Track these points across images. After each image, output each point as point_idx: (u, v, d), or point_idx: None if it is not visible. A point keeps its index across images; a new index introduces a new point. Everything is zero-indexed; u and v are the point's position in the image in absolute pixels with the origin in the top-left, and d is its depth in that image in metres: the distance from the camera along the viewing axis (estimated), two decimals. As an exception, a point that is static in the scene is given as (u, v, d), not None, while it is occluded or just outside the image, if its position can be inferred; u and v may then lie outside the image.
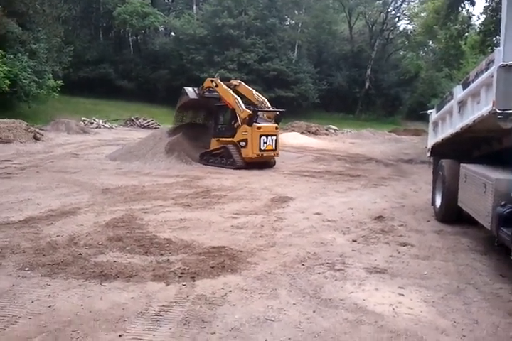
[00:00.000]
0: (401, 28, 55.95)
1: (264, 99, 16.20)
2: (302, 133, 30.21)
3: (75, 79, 37.30)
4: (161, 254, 5.90)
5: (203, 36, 43.28)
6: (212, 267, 5.44)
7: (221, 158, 15.29)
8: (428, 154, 9.80)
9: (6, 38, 26.49)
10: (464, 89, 7.02)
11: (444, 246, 6.67)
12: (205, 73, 35.41)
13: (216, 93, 16.08)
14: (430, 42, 44.83)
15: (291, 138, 25.73)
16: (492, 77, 5.49)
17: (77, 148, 19.15)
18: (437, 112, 9.04)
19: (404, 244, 6.68)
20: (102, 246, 6.16)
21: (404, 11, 53.31)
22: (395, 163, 17.88)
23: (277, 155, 15.70)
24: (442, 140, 8.37)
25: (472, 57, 36.14)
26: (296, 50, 46.64)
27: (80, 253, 5.81)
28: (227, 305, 4.49)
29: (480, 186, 6.13)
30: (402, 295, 4.82)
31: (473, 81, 6.51)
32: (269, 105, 16.00)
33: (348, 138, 31.41)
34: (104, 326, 4.01)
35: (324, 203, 9.61)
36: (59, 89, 29.09)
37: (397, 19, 54.62)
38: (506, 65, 5.14)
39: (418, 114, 27.03)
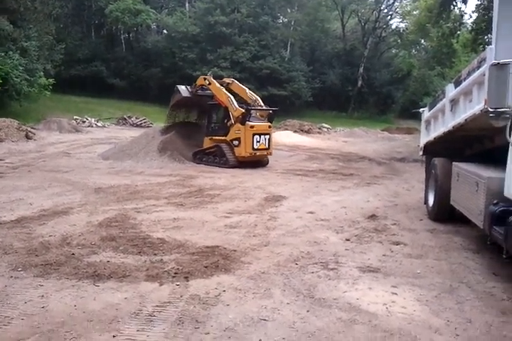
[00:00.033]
0: (393, 26, 56.11)
1: (257, 97, 16.17)
2: (295, 131, 30.21)
3: (66, 77, 37.10)
4: (155, 254, 5.89)
5: (195, 34, 43.18)
6: (206, 267, 5.43)
7: (214, 157, 15.26)
8: (420, 153, 9.83)
9: (-4, 35, 26.31)
10: (456, 88, 7.04)
11: (436, 244, 6.70)
12: (197, 71, 35.34)
13: (209, 91, 16.05)
14: (422, 41, 44.87)
15: (284, 136, 25.73)
16: (484, 75, 5.51)
17: (69, 147, 19.06)
18: (429, 111, 9.08)
19: (397, 243, 6.71)
20: (95, 246, 6.14)
21: (397, 9, 53.45)
22: (388, 161, 17.93)
23: (270, 154, 15.69)
24: (435, 138, 8.40)
25: (464, 55, 36.28)
26: (288, 48, 46.65)
27: (73, 254, 5.79)
28: (221, 305, 4.49)
29: (472, 185, 6.17)
30: (396, 294, 4.84)
31: (465, 79, 6.54)
32: (262, 103, 15.96)
33: (341, 136, 31.45)
34: (97, 327, 4.00)
35: (317, 202, 9.62)
36: (50, 87, 28.88)
37: (389, 17, 54.72)
38: (498, 63, 5.16)
39: (410, 113, 27.02)
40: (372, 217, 8.32)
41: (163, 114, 20.52)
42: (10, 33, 26.96)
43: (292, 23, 48.05)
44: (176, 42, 43.34)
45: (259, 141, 14.87)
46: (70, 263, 5.46)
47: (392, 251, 6.33)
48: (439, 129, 8.10)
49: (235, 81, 17.04)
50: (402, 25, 52.58)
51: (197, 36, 43.26)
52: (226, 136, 15.04)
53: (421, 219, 8.28)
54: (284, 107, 28.85)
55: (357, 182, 12.48)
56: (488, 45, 10.75)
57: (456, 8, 26.17)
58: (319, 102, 47.88)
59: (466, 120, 6.39)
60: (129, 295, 4.62)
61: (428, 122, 9.24)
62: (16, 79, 25.32)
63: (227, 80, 17.04)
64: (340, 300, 4.65)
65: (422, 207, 9.09)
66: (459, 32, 27.62)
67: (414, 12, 39.92)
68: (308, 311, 4.40)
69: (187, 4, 48.42)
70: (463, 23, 28.02)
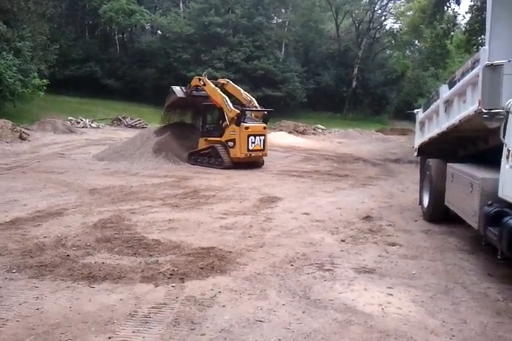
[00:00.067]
0: (387, 27, 56.12)
1: (252, 98, 16.19)
2: (290, 132, 30.20)
3: (60, 77, 36.91)
4: (150, 255, 5.88)
5: (189, 34, 43.07)
6: (202, 268, 5.43)
7: (209, 158, 15.25)
8: (415, 154, 9.87)
9: (-11, 36, 26.18)
10: (450, 89, 7.08)
11: (431, 245, 6.73)
12: (192, 72, 35.17)
13: (204, 92, 16.04)
14: (416, 42, 44.97)
15: (279, 137, 25.73)
16: (478, 76, 5.55)
17: (63, 148, 18.98)
18: (424, 112, 9.11)
19: (393, 244, 6.73)
20: (90, 248, 6.12)
21: (391, 10, 53.42)
22: (383, 162, 17.97)
23: (265, 155, 15.69)
24: (429, 139, 8.43)
25: (458, 56, 36.44)
26: (283, 48, 46.58)
27: (68, 255, 5.77)
28: (217, 306, 4.49)
29: (466, 185, 6.19)
30: (391, 295, 4.85)
31: (459, 80, 6.58)
32: (257, 104, 15.99)
33: (336, 137, 31.47)
34: (93, 328, 3.99)
35: (312, 203, 9.64)
36: (45, 88, 28.71)
37: (383, 18, 54.73)
38: (492, 64, 5.19)
39: (405, 114, 27.12)
40: (368, 217, 8.34)
41: (157, 115, 20.48)
42: (3, 34, 26.80)
43: (286, 24, 47.99)
44: (171, 43, 43.21)
45: (254, 142, 14.87)
46: (64, 264, 5.44)
47: (387, 252, 6.35)
48: (433, 130, 8.13)
49: (230, 82, 17.04)
50: (396, 26, 52.68)
51: (191, 37, 43.16)
52: (221, 137, 15.03)
53: (416, 220, 8.31)
54: (278, 108, 28.88)
55: (352, 183, 12.51)
56: (481, 46, 10.81)
57: (449, 9, 26.34)
58: (314, 103, 47.86)
59: (460, 121, 6.42)
60: (124, 297, 4.61)
61: (422, 123, 9.28)
62: (9, 79, 25.17)
63: (221, 81, 17.03)
64: (336, 301, 4.66)
65: (416, 207, 9.12)
66: (452, 33, 27.75)
67: (408, 13, 39.93)
68: (304, 312, 4.41)
69: (181, 5, 48.28)
70: (456, 24, 28.17)
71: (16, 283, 4.89)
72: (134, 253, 5.94)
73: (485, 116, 5.30)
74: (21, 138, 20.36)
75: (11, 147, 18.23)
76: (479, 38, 22.53)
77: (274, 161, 16.70)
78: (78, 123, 30.08)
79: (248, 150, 14.81)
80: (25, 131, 22.05)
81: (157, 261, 5.67)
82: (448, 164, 7.36)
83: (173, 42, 43.06)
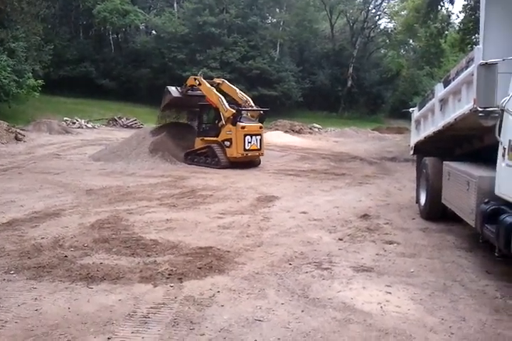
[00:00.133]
0: (382, 27, 56.34)
1: (248, 97, 16.21)
2: (286, 132, 30.25)
3: (55, 78, 36.84)
4: (148, 255, 5.87)
5: (184, 34, 43.04)
6: (200, 268, 5.43)
7: (206, 158, 15.25)
8: (411, 152, 9.89)
9: (-17, 36, 26.10)
10: (445, 87, 7.11)
11: (429, 243, 6.74)
12: (187, 72, 35.19)
13: (199, 91, 16.03)
14: (411, 41, 45.06)
15: (275, 137, 25.77)
16: (472, 75, 5.57)
17: (59, 148, 18.95)
18: (419, 110, 9.14)
19: (390, 242, 6.74)
20: (88, 248, 6.11)
21: (385, 10, 53.57)
22: (379, 161, 18.01)
23: (262, 154, 15.70)
24: (425, 138, 8.45)
25: (452, 55, 36.52)
26: (278, 48, 46.61)
27: (66, 256, 5.75)
28: (216, 305, 4.48)
29: (463, 184, 6.22)
30: (390, 293, 4.86)
31: (453, 79, 6.60)
32: (253, 104, 15.99)
33: (332, 136, 31.55)
34: (92, 329, 3.98)
35: (310, 202, 9.64)
36: (39, 88, 28.66)
37: (377, 17, 54.90)
38: (486, 63, 5.20)
39: (400, 112, 27.19)
40: (365, 216, 8.36)
41: (153, 115, 20.50)
42: (-3, 34, 26.77)
43: (281, 24, 48.07)
44: (165, 43, 43.18)
45: (250, 142, 14.87)
46: (62, 265, 5.43)
47: (385, 251, 6.35)
48: (429, 129, 8.15)
49: (226, 81, 17.03)
50: (391, 25, 52.81)
51: (186, 37, 43.13)
52: (217, 136, 15.03)
53: (413, 218, 8.33)
54: (274, 108, 28.84)
55: (349, 182, 12.53)
56: (475, 44, 10.85)
57: (443, 8, 26.43)
58: (309, 102, 47.94)
59: (455, 119, 6.45)
60: (123, 297, 4.61)
61: (418, 122, 9.30)
62: (4, 80, 25.11)
63: (217, 81, 17.03)
64: (335, 300, 4.66)
65: (413, 206, 9.13)
66: (446, 32, 27.85)
67: (402, 12, 39.99)
68: (302, 311, 4.41)
69: (175, 4, 48.24)
70: (450, 23, 28.29)
71: (14, 285, 4.87)
72: (132, 254, 5.93)
73: (480, 114, 5.31)
74: (17, 139, 20.33)
75: (7, 148, 18.19)
76: (473, 37, 22.62)
77: (271, 160, 16.71)
78: (74, 123, 30.06)
79: (245, 149, 14.81)
80: (21, 131, 22.03)
81: (155, 261, 5.65)
82: (444, 162, 7.38)
83: (167, 42, 43.04)
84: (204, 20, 42.22)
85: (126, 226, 7.25)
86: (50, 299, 4.54)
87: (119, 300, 4.55)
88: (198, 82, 15.98)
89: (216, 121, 15.23)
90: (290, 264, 5.70)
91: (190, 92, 16.44)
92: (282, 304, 4.55)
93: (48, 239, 6.45)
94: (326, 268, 5.57)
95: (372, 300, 4.68)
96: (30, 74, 28.52)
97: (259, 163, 15.73)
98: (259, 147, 15.25)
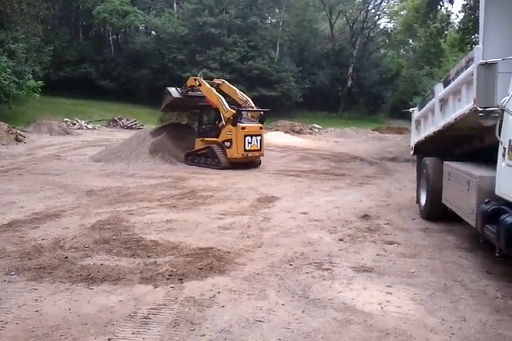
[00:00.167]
0: (381, 27, 56.35)
1: (248, 98, 16.20)
2: (286, 132, 30.22)
3: (55, 79, 36.89)
4: (148, 256, 5.87)
5: (184, 35, 43.05)
6: (200, 268, 5.42)
7: (206, 159, 15.24)
8: (412, 152, 9.89)
9: (-17, 38, 26.10)
10: (445, 87, 7.10)
11: (430, 243, 6.73)
12: (187, 72, 35.18)
13: (200, 92, 16.03)
14: (410, 41, 45.10)
15: (275, 137, 25.76)
16: (472, 74, 5.57)
17: (59, 149, 18.95)
18: (419, 110, 9.13)
19: (391, 243, 6.73)
20: (89, 249, 6.11)
21: (384, 9, 53.56)
22: (379, 161, 18.00)
23: (262, 155, 15.69)
24: (425, 138, 8.45)
25: (452, 55, 36.51)
26: (278, 48, 46.61)
27: (66, 257, 5.75)
28: (216, 306, 4.48)
29: (463, 184, 6.21)
30: (390, 293, 4.86)
31: (453, 79, 6.60)
32: (253, 104, 15.99)
33: (332, 136, 31.54)
34: (92, 330, 3.98)
35: (310, 202, 9.64)
36: (40, 89, 28.68)
37: (377, 17, 54.88)
38: (486, 62, 5.20)
39: (400, 113, 27.20)
40: (365, 216, 8.35)
41: (153, 116, 20.50)
42: (-3, 36, 26.77)
43: (281, 24, 48.05)
44: (165, 44, 43.18)
45: (250, 142, 14.87)
46: (63, 266, 5.43)
47: (385, 251, 6.35)
48: (429, 129, 8.15)
49: (226, 82, 17.05)
50: (390, 25, 52.82)
51: (186, 37, 43.14)
52: (217, 137, 15.03)
53: (413, 219, 8.32)
54: (274, 108, 28.87)
55: (349, 182, 12.52)
56: (475, 44, 10.83)
57: (442, 8, 26.42)
58: (309, 103, 47.92)
59: (455, 119, 6.44)
60: (123, 298, 4.60)
61: (418, 122, 9.30)
62: (4, 81, 25.12)
63: (217, 81, 17.04)
64: (335, 301, 4.66)
65: (414, 206, 9.13)
66: (446, 32, 27.85)
67: (402, 12, 39.99)
68: (303, 312, 4.41)
69: (175, 5, 48.24)
70: (450, 23, 28.23)
71: (14, 286, 4.87)
72: (133, 255, 5.93)
73: (480, 114, 5.31)
74: (17, 140, 20.34)
75: (7, 149, 18.19)
76: (473, 37, 22.62)
77: (271, 161, 16.71)
78: (74, 124, 30.06)
79: (245, 150, 14.81)
80: (21, 133, 22.03)
81: (155, 262, 5.65)
82: (445, 162, 7.38)
83: (167, 43, 43.05)
84: (204, 20, 42.23)
85: (126, 227, 7.25)
86: (50, 300, 4.54)
87: (120, 301, 4.54)
88: (198, 83, 15.99)
89: (216, 122, 15.23)
90: (290, 265, 5.69)
91: (190, 93, 16.44)
92: (283, 305, 4.54)
93: (48, 240, 6.45)
94: (327, 269, 5.57)
95: (373, 300, 4.67)
96: (30, 75, 28.56)
97: (260, 164, 15.72)
98: (259, 147, 15.24)
